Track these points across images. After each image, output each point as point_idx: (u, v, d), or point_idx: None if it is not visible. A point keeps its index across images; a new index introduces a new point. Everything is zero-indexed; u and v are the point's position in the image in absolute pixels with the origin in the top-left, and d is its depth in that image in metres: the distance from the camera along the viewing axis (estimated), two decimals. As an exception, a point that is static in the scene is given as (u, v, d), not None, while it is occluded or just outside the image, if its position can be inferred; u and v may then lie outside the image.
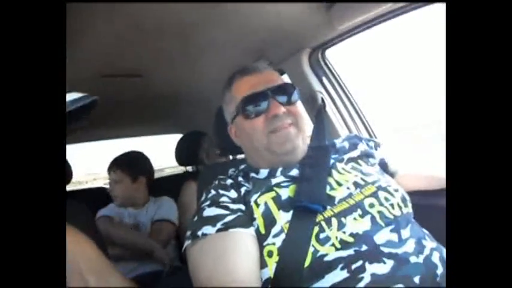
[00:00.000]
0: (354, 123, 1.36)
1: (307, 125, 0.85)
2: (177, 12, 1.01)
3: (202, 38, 1.24)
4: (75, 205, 0.94)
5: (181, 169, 2.18)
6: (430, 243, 0.66)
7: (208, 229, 0.66)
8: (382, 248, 0.62)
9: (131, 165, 1.70)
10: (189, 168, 2.08)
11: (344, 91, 1.38)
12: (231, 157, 1.91)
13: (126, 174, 1.66)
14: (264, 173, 0.80)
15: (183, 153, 2.00)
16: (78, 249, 0.56)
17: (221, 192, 0.76)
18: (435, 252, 0.64)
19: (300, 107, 0.84)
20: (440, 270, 0.61)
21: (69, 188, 2.07)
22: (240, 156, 1.28)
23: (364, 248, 0.62)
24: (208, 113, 2.18)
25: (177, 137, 2.12)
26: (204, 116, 2.27)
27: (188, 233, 0.69)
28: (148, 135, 2.77)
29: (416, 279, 0.57)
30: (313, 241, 0.63)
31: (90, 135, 2.43)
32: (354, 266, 0.60)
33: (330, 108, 1.35)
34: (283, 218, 0.68)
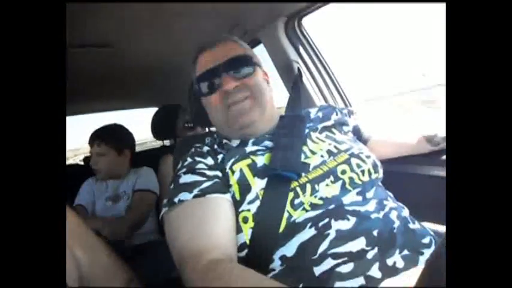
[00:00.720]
0: (330, 93, 1.36)
1: (268, 96, 0.83)
2: None
3: (176, 7, 1.19)
4: None
5: (159, 143, 2.15)
6: (390, 204, 0.70)
7: (185, 195, 0.66)
8: (346, 207, 0.66)
9: (116, 138, 1.65)
10: (166, 143, 2.06)
11: (320, 60, 1.37)
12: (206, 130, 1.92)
13: (111, 147, 1.61)
14: (235, 142, 0.81)
15: (158, 128, 1.98)
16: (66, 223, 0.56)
17: (197, 159, 0.76)
18: (394, 211, 0.68)
19: (257, 79, 0.82)
20: (397, 224, 0.65)
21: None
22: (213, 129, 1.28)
23: (331, 207, 0.65)
24: (183, 85, 2.16)
25: (153, 110, 2.08)
26: (178, 89, 2.23)
27: (165, 201, 0.69)
28: (124, 109, 2.71)
29: (375, 233, 0.61)
30: (288, 206, 0.65)
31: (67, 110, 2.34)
32: (321, 224, 0.63)
33: (306, 78, 1.35)
34: (258, 185, 0.69)
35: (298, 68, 1.32)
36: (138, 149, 1.84)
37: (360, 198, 0.68)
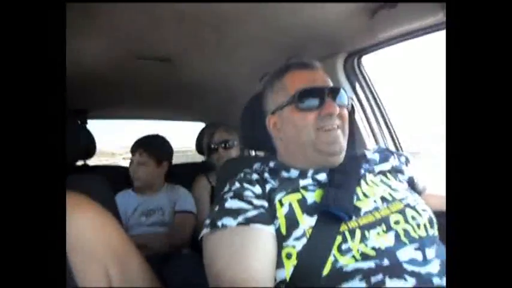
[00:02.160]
0: (382, 134, 1.32)
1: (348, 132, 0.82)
2: (216, 5, 1.01)
3: (238, 31, 1.24)
4: (98, 181, 0.95)
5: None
6: None
7: (228, 220, 0.66)
8: (405, 265, 0.60)
9: (158, 148, 1.70)
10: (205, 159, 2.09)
11: (376, 100, 1.34)
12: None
13: (151, 157, 1.65)
14: (294, 173, 0.79)
15: (200, 142, 2.04)
16: (103, 234, 0.54)
17: (246, 185, 0.75)
18: None
19: (347, 112, 0.82)
20: None
21: (94, 162, 2.11)
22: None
23: (386, 262, 0.61)
24: (232, 105, 2.21)
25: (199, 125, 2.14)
26: (227, 108, 2.29)
27: (207, 221, 0.69)
28: (172, 119, 2.82)
29: None
30: (334, 250, 0.62)
31: (118, 113, 2.49)
32: (373, 279, 0.58)
33: (358, 117, 1.32)
34: (306, 222, 0.67)
35: (352, 105, 1.29)
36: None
37: (419, 255, 0.63)
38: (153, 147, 1.68)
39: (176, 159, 1.92)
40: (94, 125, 2.33)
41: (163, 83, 1.86)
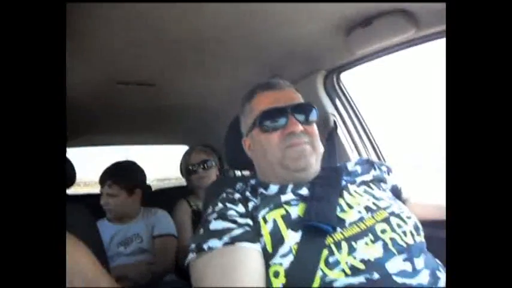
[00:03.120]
0: (365, 147, 1.35)
1: (321, 147, 0.85)
2: (196, 24, 1.03)
3: (219, 52, 1.26)
4: (77, 209, 0.92)
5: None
6: (444, 275, 0.64)
7: (214, 242, 0.65)
8: (395, 278, 0.60)
9: (128, 178, 1.60)
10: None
11: (356, 115, 1.37)
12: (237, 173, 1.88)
13: (122, 188, 1.56)
14: (273, 189, 0.79)
15: (182, 166, 1.99)
16: (72, 263, 0.53)
17: (228, 205, 0.75)
18: None
19: (315, 127, 0.84)
20: None
21: (72, 191, 2.03)
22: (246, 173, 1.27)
23: (375, 276, 0.60)
24: (217, 127, 2.21)
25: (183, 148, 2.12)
26: (211, 130, 2.29)
27: (193, 245, 0.67)
28: (155, 144, 2.78)
29: None
30: (321, 265, 0.62)
31: (98, 140, 2.44)
32: None
33: (341, 131, 1.34)
34: (292, 238, 0.66)
35: (334, 120, 1.32)
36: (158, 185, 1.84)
37: (408, 266, 0.63)
38: (122, 177, 1.58)
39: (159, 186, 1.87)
40: (74, 153, 2.28)
41: (145, 108, 1.85)
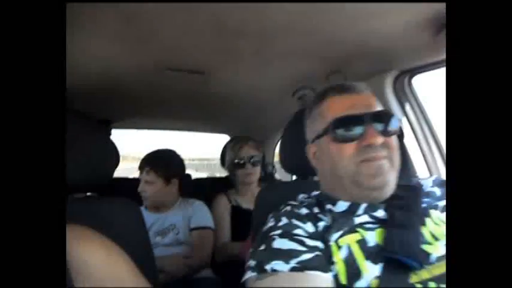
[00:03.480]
0: (434, 162, 1.19)
1: (399, 162, 0.72)
2: (257, 14, 0.94)
3: (277, 43, 1.16)
4: (128, 207, 0.88)
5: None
6: None
7: (280, 265, 0.57)
8: None
9: (166, 166, 1.58)
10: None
11: (427, 123, 1.22)
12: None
13: (159, 175, 1.55)
14: (342, 206, 0.69)
15: (228, 157, 1.93)
16: (107, 266, 0.52)
17: (295, 222, 0.66)
18: None
19: (395, 140, 0.72)
20: None
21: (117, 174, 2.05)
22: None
23: None
24: (262, 120, 2.13)
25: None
26: (254, 122, 2.21)
27: (252, 263, 0.60)
28: (196, 131, 2.76)
29: None
30: None
31: (141, 123, 2.44)
32: None
33: (408, 140, 1.20)
34: (371, 272, 0.57)
35: (401, 128, 1.18)
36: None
37: None
38: (160, 166, 1.57)
39: (201, 169, 1.83)
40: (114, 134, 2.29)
41: (191, 95, 1.79)
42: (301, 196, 0.80)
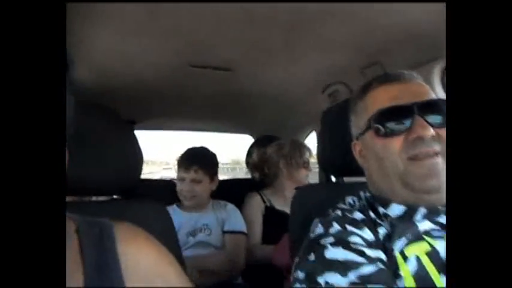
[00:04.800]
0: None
1: None
2: (289, 4, 0.88)
3: (310, 34, 1.08)
4: (158, 209, 0.84)
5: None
6: None
7: (335, 278, 0.50)
8: None
9: (212, 164, 1.57)
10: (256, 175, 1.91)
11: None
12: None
13: (206, 174, 1.51)
14: (397, 209, 0.61)
15: (251, 157, 1.90)
16: (157, 269, 0.51)
17: (350, 228, 0.58)
18: None
19: None
20: None
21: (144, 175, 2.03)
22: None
23: None
24: (288, 118, 2.04)
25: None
26: (283, 122, 2.12)
27: (300, 274, 0.53)
28: (218, 131, 2.69)
29: None
30: None
31: (164, 124, 2.39)
32: None
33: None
34: None
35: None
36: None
37: None
38: (208, 163, 1.53)
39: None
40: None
41: (216, 93, 1.72)
42: (350, 198, 0.72)
